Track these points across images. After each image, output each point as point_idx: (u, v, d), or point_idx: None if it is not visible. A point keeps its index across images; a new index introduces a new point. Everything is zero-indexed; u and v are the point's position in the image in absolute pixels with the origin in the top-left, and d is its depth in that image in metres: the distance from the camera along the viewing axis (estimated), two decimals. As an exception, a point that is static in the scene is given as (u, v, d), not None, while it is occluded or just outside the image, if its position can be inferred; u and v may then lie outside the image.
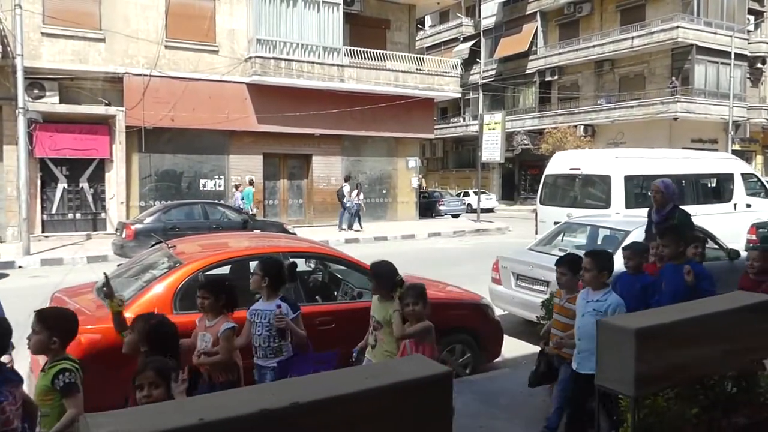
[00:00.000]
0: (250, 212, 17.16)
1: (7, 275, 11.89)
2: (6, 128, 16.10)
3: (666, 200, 5.95)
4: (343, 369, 1.95)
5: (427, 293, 3.93)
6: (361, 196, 20.32)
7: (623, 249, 5.14)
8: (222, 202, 17.63)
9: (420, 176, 25.22)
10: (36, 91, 16.31)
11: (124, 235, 12.99)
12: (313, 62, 19.81)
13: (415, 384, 1.89)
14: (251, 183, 18.63)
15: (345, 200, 19.58)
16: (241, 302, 5.32)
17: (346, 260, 5.76)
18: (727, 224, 11.21)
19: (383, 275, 4.20)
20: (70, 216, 17.57)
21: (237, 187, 18.46)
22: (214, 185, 19.49)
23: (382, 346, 4.10)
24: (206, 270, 4.90)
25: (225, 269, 5.40)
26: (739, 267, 5.82)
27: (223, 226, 13.89)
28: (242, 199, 17.67)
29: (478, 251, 15.28)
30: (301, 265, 6.07)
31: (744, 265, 5.25)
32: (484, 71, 38.51)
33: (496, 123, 23.97)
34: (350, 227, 19.45)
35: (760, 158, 33.60)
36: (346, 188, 19.83)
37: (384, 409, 1.82)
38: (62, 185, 17.34)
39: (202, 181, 19.28)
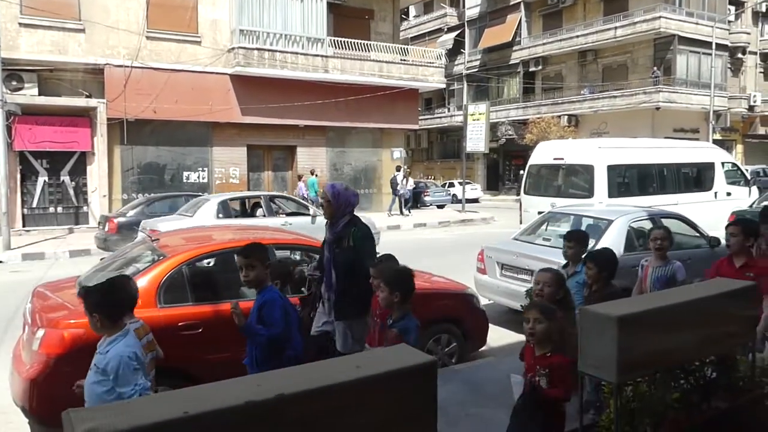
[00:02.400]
0: (318, 200, 18.87)
1: (-13, 270, 11.74)
2: (-16, 121, 15.84)
3: (337, 211, 4.47)
4: (329, 359, 1.95)
5: (414, 283, 3.85)
6: (411, 182, 22.41)
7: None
8: (206, 194, 17.51)
9: (405, 167, 25.27)
10: (14, 83, 16.04)
11: (106, 229, 12.87)
12: (296, 53, 19.68)
13: (400, 373, 1.90)
14: (313, 173, 20.10)
15: (398, 188, 21.61)
16: (226, 296, 5.32)
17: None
18: (707, 212, 11.36)
19: None
20: (52, 210, 17.36)
21: (300, 177, 19.98)
22: (198, 177, 19.34)
23: None
24: (190, 263, 4.88)
25: (209, 262, 5.37)
26: (719, 254, 5.89)
27: (208, 218, 13.77)
28: (307, 189, 19.22)
29: (463, 241, 15.35)
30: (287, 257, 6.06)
31: (724, 252, 5.32)
32: (468, 62, 38.52)
33: (480, 113, 24.00)
34: (402, 212, 21.78)
35: (740, 147, 34.02)
36: (399, 176, 21.81)
37: (369, 398, 1.83)
38: (43, 178, 17.11)
39: (185, 174, 19.12)
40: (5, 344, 3.56)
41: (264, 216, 12.35)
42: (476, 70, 37.79)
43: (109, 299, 2.99)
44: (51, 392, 3.99)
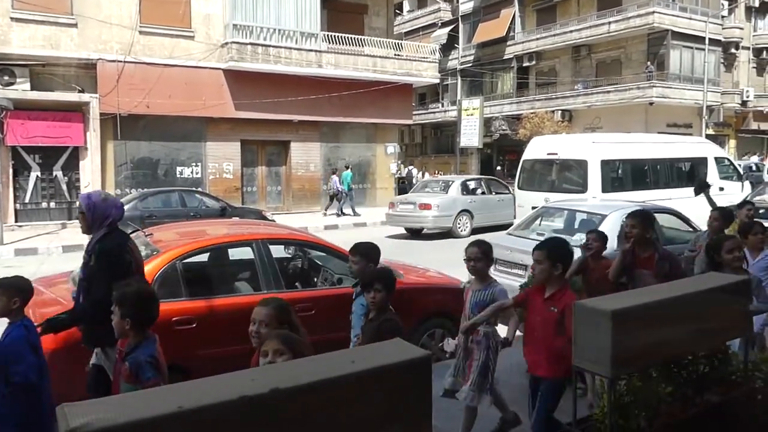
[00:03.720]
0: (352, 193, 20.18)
1: (-21, 266, 11.67)
2: (-25, 116, 15.74)
3: (93, 225, 3.74)
4: (324, 354, 1.96)
5: (408, 278, 3.76)
6: (427, 176, 23.31)
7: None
8: (199, 189, 17.47)
9: (399, 162, 25.43)
10: (6, 78, 15.94)
11: (100, 224, 12.80)
12: (290, 48, 19.62)
13: (395, 368, 1.90)
14: (347, 167, 20.70)
15: (414, 180, 22.84)
16: (220, 291, 5.31)
17: (325, 246, 5.75)
18: (700, 207, 11.40)
19: None
20: (44, 205, 17.26)
21: (334, 171, 20.43)
22: (191, 173, 19.28)
23: None
24: (184, 258, 4.86)
25: (203, 257, 5.36)
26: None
27: (201, 213, 13.78)
28: (341, 183, 19.79)
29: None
30: (281, 251, 6.05)
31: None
32: (462, 57, 38.45)
33: (474, 108, 24.06)
34: None
35: (733, 142, 34.16)
36: (414, 171, 22.78)
37: (364, 393, 1.83)
38: (35, 174, 17.00)
39: (179, 169, 19.06)
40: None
41: (483, 194, 16.66)
42: (470, 65, 37.74)
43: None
44: (44, 388, 3.97)
